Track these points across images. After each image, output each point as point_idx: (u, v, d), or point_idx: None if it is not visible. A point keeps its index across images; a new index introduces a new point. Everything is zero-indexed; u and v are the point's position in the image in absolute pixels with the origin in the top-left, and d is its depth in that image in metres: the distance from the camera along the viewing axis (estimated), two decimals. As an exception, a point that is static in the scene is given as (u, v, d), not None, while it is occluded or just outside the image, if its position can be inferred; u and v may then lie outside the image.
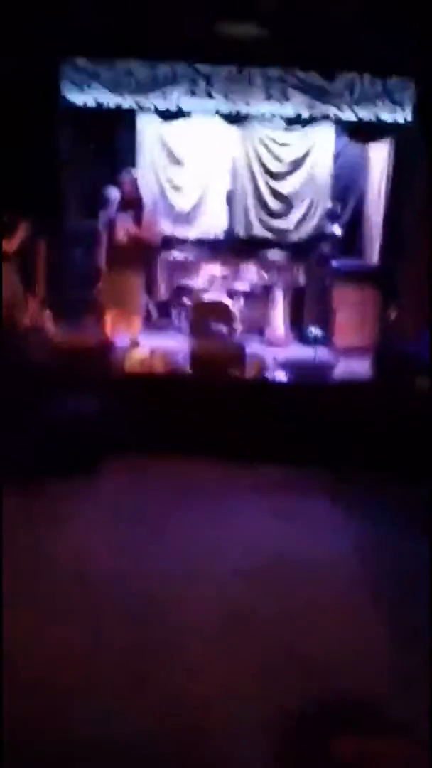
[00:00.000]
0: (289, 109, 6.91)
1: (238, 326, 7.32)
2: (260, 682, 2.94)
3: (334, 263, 7.80)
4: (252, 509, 4.84)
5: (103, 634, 3.25)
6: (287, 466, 5.43)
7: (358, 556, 4.17)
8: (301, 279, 8.26)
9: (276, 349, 7.24)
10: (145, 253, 6.94)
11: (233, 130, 7.92)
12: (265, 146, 8.25)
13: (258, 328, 7.82)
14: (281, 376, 6.22)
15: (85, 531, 4.32)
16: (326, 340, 7.37)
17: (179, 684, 2.92)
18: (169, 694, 2.85)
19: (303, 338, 7.54)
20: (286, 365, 6.42)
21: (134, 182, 6.80)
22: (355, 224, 8.39)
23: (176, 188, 8.39)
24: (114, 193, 6.89)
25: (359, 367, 6.37)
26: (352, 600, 3.67)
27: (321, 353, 6.77)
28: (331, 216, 8.23)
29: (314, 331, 7.46)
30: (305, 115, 6.94)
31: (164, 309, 8.10)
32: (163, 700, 2.82)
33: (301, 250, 8.25)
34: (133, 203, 6.65)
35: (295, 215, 8.37)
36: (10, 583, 3.57)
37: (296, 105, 6.86)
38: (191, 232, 8.31)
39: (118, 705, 2.78)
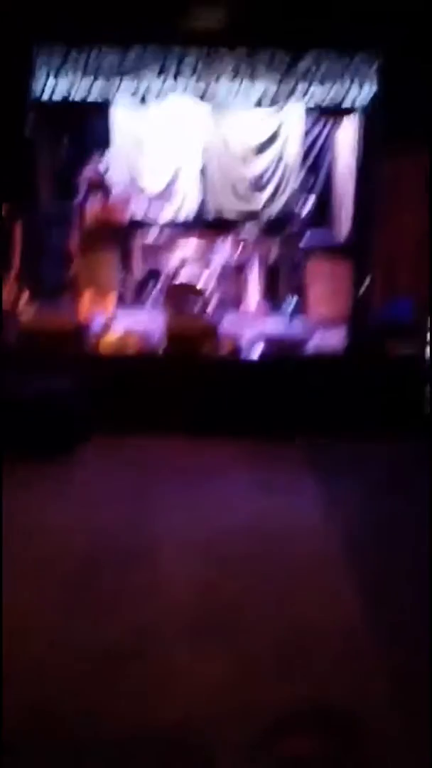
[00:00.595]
0: (258, 89, 6.95)
1: (213, 304, 7.39)
2: (239, 663, 2.89)
3: (306, 238, 7.89)
4: (231, 483, 4.92)
5: (75, 617, 3.22)
6: (265, 440, 5.52)
7: (337, 523, 4.25)
8: (274, 254, 8.35)
9: (251, 325, 7.32)
10: (116, 234, 6.98)
11: (203, 111, 7.95)
12: (235, 128, 8.30)
13: (233, 304, 7.90)
14: (256, 351, 6.31)
15: (62, 511, 4.34)
16: (300, 313, 7.47)
17: (156, 667, 2.85)
18: (143, 682, 2.77)
19: (278, 312, 7.63)
20: (261, 340, 6.51)
21: (105, 165, 6.85)
22: (325, 199, 8.49)
23: (147, 170, 8.42)
24: (85, 176, 6.92)
25: (333, 339, 6.48)
26: (328, 564, 3.73)
27: (295, 326, 6.87)
28: (301, 192, 8.32)
29: (288, 304, 7.56)
30: (274, 94, 6.98)
31: (139, 289, 8.16)
32: (135, 688, 2.73)
33: (272, 227, 8.33)
34: (103, 186, 6.69)
35: (265, 194, 8.44)
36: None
37: (264, 85, 6.91)
38: (164, 213, 8.35)
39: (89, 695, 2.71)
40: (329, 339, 6.55)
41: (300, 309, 7.53)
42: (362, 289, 6.95)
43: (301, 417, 5.72)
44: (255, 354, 6.28)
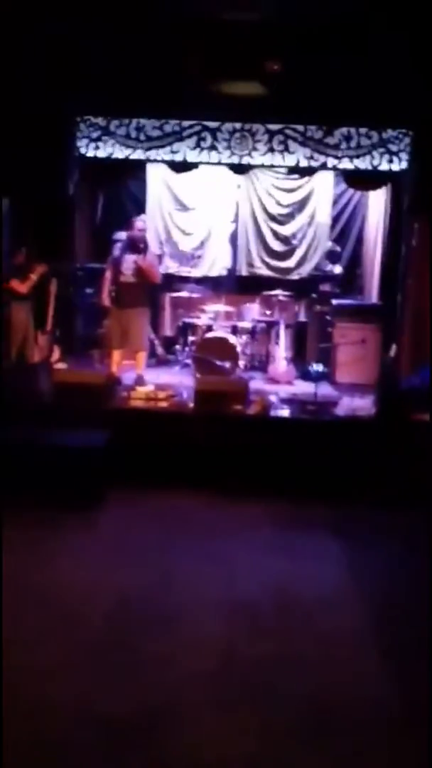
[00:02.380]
0: (290, 160, 7.20)
1: (242, 362, 7.50)
2: (258, 722, 2.90)
3: (335, 301, 8.01)
4: (256, 544, 4.90)
5: (95, 669, 3.22)
6: (290, 501, 5.52)
7: (358, 588, 4.23)
8: (303, 316, 8.50)
9: (279, 385, 7.41)
10: (149, 292, 7.16)
11: (237, 178, 8.23)
12: (267, 192, 8.59)
13: (261, 364, 8.01)
14: (284, 412, 6.37)
15: (86, 568, 4.33)
16: (328, 377, 7.54)
17: (178, 738, 2.83)
18: (163, 738, 2.78)
19: (305, 374, 7.71)
20: (288, 401, 6.59)
21: (141, 226, 7.07)
22: (354, 264, 8.67)
23: (182, 231, 8.71)
24: (121, 236, 7.16)
25: (361, 403, 6.53)
26: (353, 633, 3.71)
27: (323, 389, 6.92)
28: (331, 256, 8.52)
29: (316, 367, 7.63)
30: (305, 164, 7.21)
31: (170, 345, 8.31)
32: (156, 743, 2.75)
33: (302, 288, 8.50)
34: (138, 245, 6.89)
35: (296, 255, 8.66)
36: (7, 612, 3.61)
37: (297, 156, 7.15)
38: (196, 272, 8.57)
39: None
40: (356, 402, 6.60)
41: (328, 371, 7.60)
42: (390, 354, 7.02)
43: (326, 479, 5.72)
44: (282, 414, 6.34)
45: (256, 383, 7.16)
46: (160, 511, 5.30)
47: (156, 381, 6.94)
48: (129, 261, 6.88)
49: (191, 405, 6.18)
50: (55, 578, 4.15)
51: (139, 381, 6.85)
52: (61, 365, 7.06)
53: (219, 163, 7.32)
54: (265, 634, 3.67)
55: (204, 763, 2.71)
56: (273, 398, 6.58)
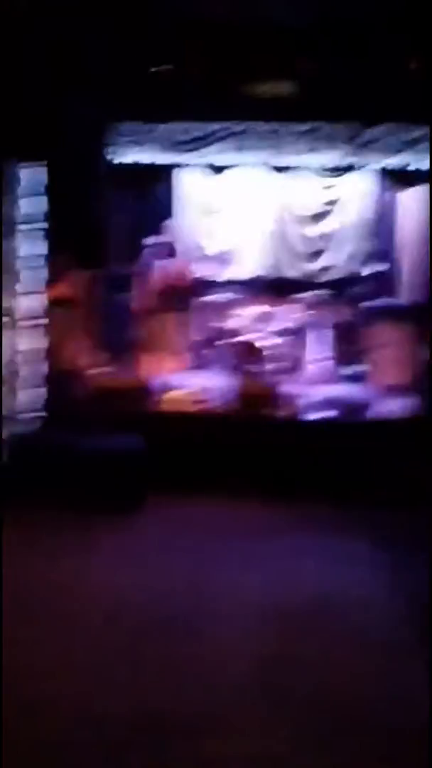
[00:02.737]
0: (323, 160, 7.13)
1: (275, 365, 7.44)
2: (297, 726, 2.89)
3: (369, 302, 7.92)
4: (291, 547, 4.88)
5: (132, 670, 3.25)
6: (327, 504, 5.47)
7: (398, 593, 4.16)
8: (338, 318, 8.41)
9: (313, 388, 7.34)
10: (182, 296, 7.16)
11: (269, 179, 8.18)
12: (299, 193, 8.50)
13: (295, 366, 7.94)
14: (318, 414, 6.31)
15: (122, 570, 4.39)
16: (363, 379, 7.45)
17: (211, 730, 2.86)
18: (208, 740, 2.79)
19: (340, 376, 7.63)
20: (323, 404, 6.52)
21: (172, 230, 7.07)
22: (390, 263, 8.55)
23: (212, 235, 8.66)
24: (153, 241, 7.17)
25: (397, 404, 6.44)
26: (391, 639, 3.66)
27: (358, 391, 6.85)
28: (365, 257, 8.41)
29: (351, 369, 7.54)
30: (338, 164, 7.14)
31: (202, 349, 8.28)
32: (191, 747, 2.75)
33: (336, 290, 8.41)
34: (170, 250, 6.90)
35: (330, 257, 8.55)
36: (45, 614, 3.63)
37: (330, 156, 7.07)
38: (227, 275, 8.53)
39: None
40: (393, 404, 6.51)
41: (363, 373, 7.50)
42: (428, 355, 6.91)
43: (363, 482, 5.67)
44: (317, 417, 6.29)
45: (290, 386, 7.10)
46: (196, 515, 5.31)
47: (190, 385, 6.92)
48: (161, 266, 6.89)
49: (226, 408, 6.17)
50: (91, 581, 4.19)
51: (174, 385, 6.84)
52: (99, 370, 7.08)
53: (250, 165, 7.27)
54: (301, 638, 3.65)
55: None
56: (307, 401, 6.52)
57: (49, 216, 6.25)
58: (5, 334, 5.95)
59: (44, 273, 6.43)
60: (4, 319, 5.97)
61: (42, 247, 6.36)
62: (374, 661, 3.44)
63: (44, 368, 6.19)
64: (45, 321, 6.36)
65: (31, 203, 6.17)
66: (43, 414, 6.04)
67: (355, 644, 3.61)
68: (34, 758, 2.63)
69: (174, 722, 2.90)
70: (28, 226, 6.01)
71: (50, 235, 6.28)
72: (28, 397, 6.05)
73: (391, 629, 3.78)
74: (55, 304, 6.59)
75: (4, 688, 3.00)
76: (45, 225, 6.19)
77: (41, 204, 6.18)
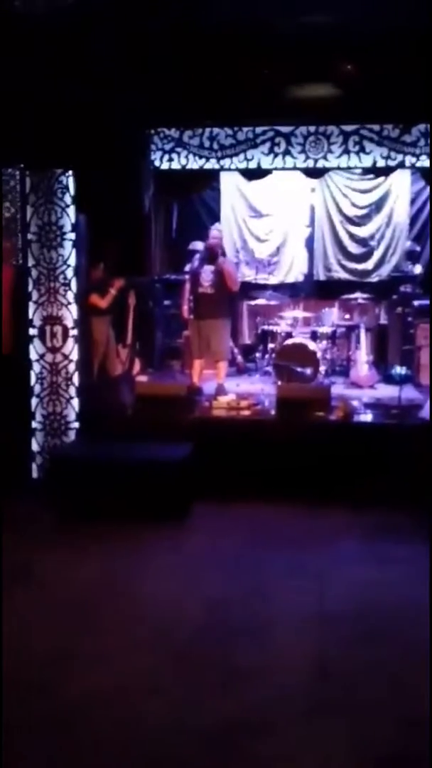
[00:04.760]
0: (366, 161, 7.07)
1: (322, 368, 7.40)
2: (347, 733, 2.87)
3: (416, 302, 7.81)
4: (343, 552, 4.82)
5: (185, 683, 3.23)
6: (377, 508, 5.40)
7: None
8: (384, 319, 8.32)
9: (361, 390, 7.27)
10: (228, 301, 7.17)
11: (312, 181, 8.15)
12: (343, 194, 8.48)
13: (342, 369, 7.88)
14: (368, 417, 6.24)
15: (173, 578, 4.35)
16: (412, 379, 7.35)
17: (255, 743, 2.84)
18: (253, 751, 2.78)
19: (388, 378, 7.55)
20: (372, 406, 6.45)
21: (217, 235, 7.09)
22: (436, 263, 8.43)
23: (257, 238, 8.69)
24: (198, 247, 7.20)
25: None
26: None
27: (407, 392, 6.75)
28: (411, 257, 8.31)
29: (399, 370, 7.45)
30: (382, 164, 7.07)
31: (249, 353, 8.29)
32: (246, 755, 2.75)
33: (382, 291, 8.32)
34: (215, 255, 6.91)
35: (374, 257, 8.49)
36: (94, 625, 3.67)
37: (373, 156, 7.01)
38: (273, 278, 8.52)
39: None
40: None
41: (411, 374, 7.41)
42: None
43: (413, 485, 5.57)
44: (366, 419, 6.22)
45: (338, 388, 7.05)
46: (246, 522, 5.27)
47: (237, 390, 6.93)
48: (207, 271, 6.91)
49: (273, 413, 6.14)
50: (142, 592, 4.18)
51: (220, 391, 6.86)
52: (142, 378, 7.15)
53: (294, 168, 7.26)
54: (356, 646, 3.58)
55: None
56: (356, 403, 6.45)
57: (88, 223, 6.30)
58: (56, 341, 6.05)
59: (88, 280, 6.51)
60: (55, 327, 6.06)
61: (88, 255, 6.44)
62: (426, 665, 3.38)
63: (85, 376, 6.26)
64: (86, 328, 6.43)
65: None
66: (81, 423, 6.11)
67: (408, 649, 3.56)
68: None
69: (238, 727, 2.92)
70: (75, 235, 6.08)
71: (88, 243, 6.35)
72: (72, 406, 6.13)
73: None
74: (95, 311, 6.68)
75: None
76: (84, 231, 6.23)
77: (86, 211, 6.24)
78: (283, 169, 7.29)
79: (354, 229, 8.56)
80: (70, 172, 5.99)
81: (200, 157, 7.26)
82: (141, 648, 3.55)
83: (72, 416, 6.12)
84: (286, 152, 7.13)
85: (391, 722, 2.97)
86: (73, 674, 3.31)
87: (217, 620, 3.84)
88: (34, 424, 6.11)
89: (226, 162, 7.28)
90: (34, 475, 6.11)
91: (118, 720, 2.98)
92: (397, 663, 3.44)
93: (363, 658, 3.47)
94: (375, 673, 3.36)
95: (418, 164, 7.06)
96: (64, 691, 3.16)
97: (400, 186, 8.30)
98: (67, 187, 5.98)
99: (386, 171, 7.59)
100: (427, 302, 7.79)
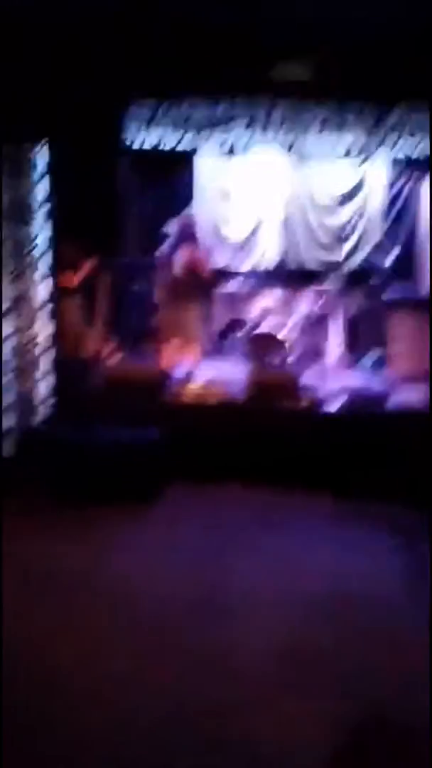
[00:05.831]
0: (343, 144, 7.00)
1: (293, 356, 7.40)
2: (318, 713, 2.92)
3: (389, 291, 7.84)
4: (309, 538, 4.87)
5: (145, 667, 3.25)
6: (345, 495, 5.45)
7: (419, 587, 4.13)
8: (356, 308, 8.33)
9: (332, 377, 7.29)
10: (200, 286, 7.12)
11: (287, 163, 8.09)
12: (318, 179, 8.41)
13: (313, 357, 7.88)
14: (337, 404, 6.26)
15: (141, 562, 4.37)
16: (382, 369, 7.38)
17: (239, 717, 2.91)
18: (226, 728, 2.83)
19: (359, 367, 7.57)
20: (342, 393, 6.47)
21: (191, 218, 7.02)
22: (408, 254, 8.45)
23: (230, 222, 8.58)
24: (172, 229, 7.12)
25: (417, 395, 6.37)
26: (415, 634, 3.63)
27: (376, 382, 6.79)
28: (384, 246, 8.32)
29: (369, 360, 7.49)
30: (359, 148, 7.02)
31: (220, 339, 8.24)
32: (219, 733, 2.80)
33: (354, 280, 8.33)
34: (189, 238, 6.85)
35: (348, 246, 8.47)
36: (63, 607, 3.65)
37: (350, 139, 6.95)
38: (245, 265, 8.47)
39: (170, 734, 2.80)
40: (412, 395, 6.45)
41: (382, 363, 7.44)
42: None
43: (382, 473, 5.62)
44: (335, 407, 6.24)
45: (308, 377, 7.05)
46: (216, 506, 5.29)
47: (207, 376, 6.89)
48: (179, 255, 6.85)
49: (243, 400, 6.14)
50: (111, 574, 4.17)
51: (191, 376, 6.82)
52: (113, 360, 7.07)
53: (271, 149, 7.15)
54: (325, 627, 3.64)
55: (272, 749, 2.72)
56: (325, 392, 6.47)
57: (58, 200, 6.16)
58: (23, 320, 5.93)
59: (58, 259, 6.37)
60: (24, 306, 5.95)
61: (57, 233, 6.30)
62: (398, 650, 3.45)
63: (55, 357, 6.16)
64: (57, 308, 6.31)
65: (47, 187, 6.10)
66: (53, 404, 6.02)
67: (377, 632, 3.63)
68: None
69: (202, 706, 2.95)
70: (44, 211, 5.95)
71: (61, 219, 6.21)
72: (39, 386, 6.04)
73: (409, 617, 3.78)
74: (66, 291, 6.56)
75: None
76: (54, 209, 6.08)
77: (57, 187, 6.10)
78: (259, 149, 7.16)
79: (327, 218, 8.51)
80: (41, 146, 5.85)
81: (174, 133, 7.10)
82: (105, 629, 3.55)
83: (42, 397, 6.03)
84: (263, 131, 7.01)
85: (360, 699, 3.05)
86: (43, 652, 3.31)
87: (188, 601, 3.86)
88: (5, 403, 6.00)
89: (201, 139, 7.14)
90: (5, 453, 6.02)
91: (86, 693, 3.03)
92: (365, 643, 3.51)
93: (332, 639, 3.53)
94: (344, 653, 3.42)
95: (396, 149, 7.01)
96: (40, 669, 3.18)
97: (376, 174, 8.27)
98: (35, 162, 5.84)
99: (363, 155, 7.54)
100: (399, 292, 7.84)
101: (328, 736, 2.79)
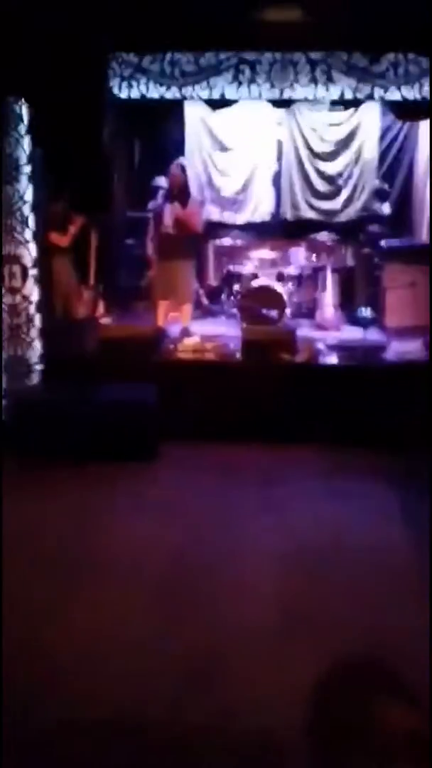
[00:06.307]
0: (334, 92, 6.82)
1: (288, 310, 7.34)
2: (310, 665, 2.97)
3: (383, 243, 7.73)
4: (308, 490, 4.91)
5: (152, 621, 3.30)
6: (340, 448, 5.47)
7: (413, 537, 4.17)
8: (351, 260, 8.24)
9: (327, 332, 7.25)
10: (193, 241, 7.01)
11: (278, 113, 7.90)
12: (311, 128, 8.24)
13: (308, 311, 7.83)
14: (333, 359, 6.24)
15: (142, 517, 4.41)
16: (377, 321, 7.33)
17: (230, 671, 2.96)
18: (218, 684, 2.87)
19: (354, 320, 7.52)
20: (337, 348, 6.44)
21: (182, 171, 6.87)
22: (403, 203, 8.31)
23: (223, 174, 8.44)
24: (162, 183, 6.97)
25: (411, 348, 6.34)
26: (407, 583, 3.68)
27: (372, 334, 6.75)
28: (379, 195, 8.18)
29: (365, 312, 7.42)
30: (350, 96, 6.84)
31: (215, 295, 8.17)
32: (212, 690, 2.84)
33: (349, 231, 8.22)
34: (180, 192, 6.71)
35: (342, 195, 8.33)
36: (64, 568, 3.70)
37: (341, 87, 6.77)
38: (239, 217, 8.34)
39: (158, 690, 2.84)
40: (407, 347, 6.41)
41: (377, 316, 7.39)
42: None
43: (376, 425, 5.64)
44: (331, 361, 6.22)
45: (304, 330, 7.01)
46: (212, 463, 5.32)
47: (202, 332, 6.84)
48: (170, 210, 6.72)
49: (239, 355, 6.11)
50: (111, 532, 4.21)
51: (185, 333, 6.77)
52: (106, 319, 7.01)
53: (259, 98, 6.97)
54: (320, 576, 3.71)
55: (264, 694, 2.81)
56: (321, 345, 6.44)
57: (44, 156, 6.02)
58: (14, 282, 5.85)
59: (47, 217, 6.25)
60: (13, 267, 5.87)
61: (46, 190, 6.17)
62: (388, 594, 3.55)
63: (46, 318, 6.09)
64: (47, 268, 6.22)
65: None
66: (44, 366, 5.98)
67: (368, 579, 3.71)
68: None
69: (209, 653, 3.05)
70: (31, 168, 5.81)
71: (48, 176, 6.07)
72: (34, 346, 5.99)
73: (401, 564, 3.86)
74: (55, 250, 6.46)
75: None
76: (39, 165, 5.94)
77: (42, 142, 5.93)
78: (248, 98, 6.99)
79: (322, 166, 8.35)
80: (23, 101, 5.68)
81: (161, 84, 6.91)
82: (105, 589, 3.59)
83: (34, 359, 5.99)
84: (252, 81, 6.82)
85: (351, 640, 3.16)
86: (50, 613, 3.36)
87: (188, 556, 3.93)
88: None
89: (188, 90, 6.93)
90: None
91: (96, 650, 3.09)
92: (357, 590, 3.60)
93: (325, 587, 3.61)
94: (336, 600, 3.50)
95: (388, 96, 6.84)
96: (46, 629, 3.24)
97: (369, 121, 8.09)
98: (21, 117, 5.69)
99: (355, 103, 7.36)
100: (394, 243, 7.73)
101: (328, 677, 2.88)
